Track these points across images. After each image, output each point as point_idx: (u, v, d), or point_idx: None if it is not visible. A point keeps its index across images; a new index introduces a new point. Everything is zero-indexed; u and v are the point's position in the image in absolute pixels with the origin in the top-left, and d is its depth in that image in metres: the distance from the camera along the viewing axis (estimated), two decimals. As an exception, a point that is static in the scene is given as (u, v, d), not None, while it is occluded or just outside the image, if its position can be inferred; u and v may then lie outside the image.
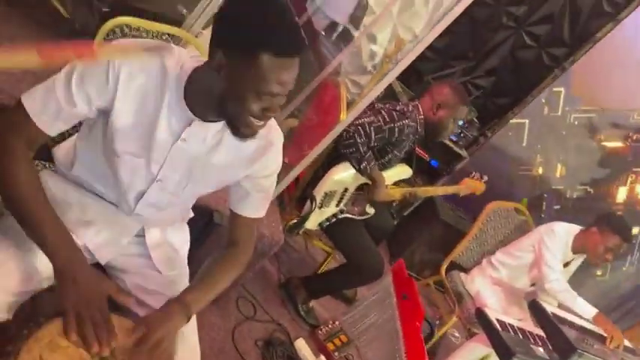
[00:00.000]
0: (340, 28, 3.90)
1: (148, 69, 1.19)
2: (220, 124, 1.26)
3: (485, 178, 3.06)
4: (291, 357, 2.56)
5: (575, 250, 3.05)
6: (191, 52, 1.29)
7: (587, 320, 2.82)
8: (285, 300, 2.84)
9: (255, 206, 1.44)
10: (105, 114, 1.21)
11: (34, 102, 1.17)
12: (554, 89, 4.19)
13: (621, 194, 4.56)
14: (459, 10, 2.05)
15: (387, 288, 1.55)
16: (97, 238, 1.36)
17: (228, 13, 1.13)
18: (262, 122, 1.20)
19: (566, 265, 3.10)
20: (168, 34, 1.71)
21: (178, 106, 1.21)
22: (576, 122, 4.33)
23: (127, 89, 1.17)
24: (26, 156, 1.18)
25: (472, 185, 3.02)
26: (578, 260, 3.14)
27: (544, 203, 4.52)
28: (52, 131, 1.20)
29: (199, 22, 1.85)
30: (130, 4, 1.90)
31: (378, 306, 1.51)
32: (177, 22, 1.89)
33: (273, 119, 1.32)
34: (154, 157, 1.26)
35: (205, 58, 1.21)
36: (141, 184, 1.31)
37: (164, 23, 1.73)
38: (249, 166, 1.34)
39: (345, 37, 3.83)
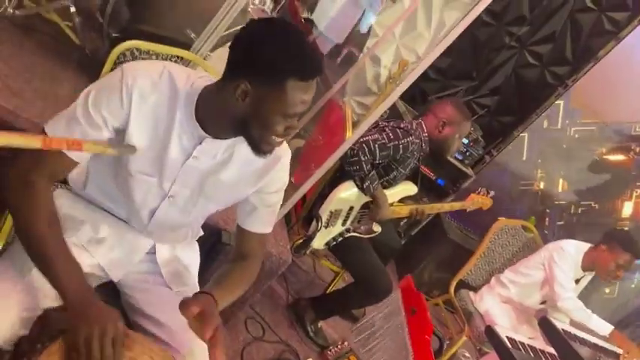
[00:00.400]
0: (344, 52, 3.96)
1: (160, 88, 1.22)
2: (230, 140, 1.28)
3: (492, 193, 3.07)
4: (300, 378, 2.55)
5: (585, 268, 3.04)
6: (199, 73, 1.32)
7: (599, 337, 2.79)
8: (294, 321, 2.83)
9: (263, 222, 1.45)
10: (119, 134, 1.23)
11: (57, 132, 1.19)
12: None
13: (627, 209, 4.52)
14: (459, 29, 2.09)
15: (396, 304, 1.55)
16: (109, 255, 1.38)
17: (249, 43, 1.15)
18: (283, 140, 1.25)
19: (576, 282, 3.09)
20: (177, 57, 1.75)
21: (190, 124, 1.24)
22: (577, 135, 4.30)
23: (140, 109, 1.20)
24: (47, 191, 1.20)
25: (479, 201, 3.03)
26: (588, 277, 3.13)
27: (547, 219, 4.50)
28: (83, 159, 1.23)
29: (207, 45, 1.90)
30: (140, 28, 1.95)
31: (386, 323, 1.50)
32: (186, 45, 1.94)
33: None
34: (166, 174, 1.29)
35: (214, 77, 1.24)
36: (153, 202, 1.33)
37: (173, 46, 1.77)
38: (258, 182, 1.36)
39: (349, 61, 3.88)
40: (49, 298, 1.18)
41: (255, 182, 1.37)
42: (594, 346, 2.67)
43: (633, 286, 4.85)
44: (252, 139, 1.23)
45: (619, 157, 4.40)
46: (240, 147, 1.30)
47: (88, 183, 1.38)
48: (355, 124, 3.03)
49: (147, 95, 1.20)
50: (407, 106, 3.93)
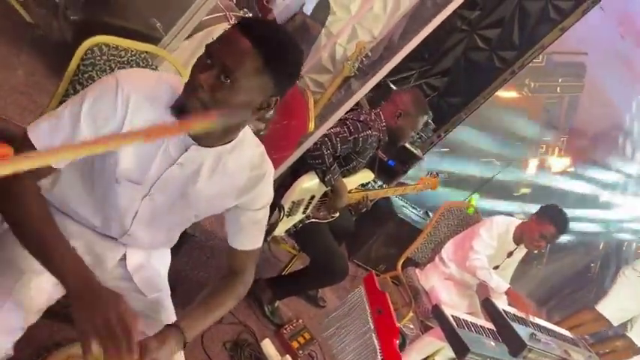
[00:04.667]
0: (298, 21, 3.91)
1: (158, 98, 1.22)
2: (217, 151, 1.29)
3: (441, 176, 3.21)
4: (258, 357, 2.62)
5: (517, 240, 3.26)
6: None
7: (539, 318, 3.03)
8: (252, 301, 2.89)
9: (252, 238, 1.47)
10: None
11: (40, 135, 1.18)
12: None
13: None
14: (440, 18, 2.13)
15: (361, 302, 1.64)
16: None
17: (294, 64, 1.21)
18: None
19: (509, 254, 3.31)
20: (147, 52, 1.71)
21: None
22: None
23: (134, 119, 1.19)
24: (34, 187, 1.19)
25: (428, 182, 3.16)
26: (522, 250, 3.34)
27: None
28: (61, 164, 1.22)
29: (176, 41, 1.85)
30: (105, 20, 1.87)
31: (352, 321, 1.59)
32: (154, 38, 1.89)
33: (264, 151, 1.38)
34: (150, 179, 1.29)
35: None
36: (135, 205, 1.34)
37: (140, 40, 1.72)
38: (240, 196, 1.38)
39: (311, 39, 3.86)
40: (33, 313, 1.19)
41: (237, 197, 1.38)
42: (530, 324, 2.90)
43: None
44: None
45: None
46: (227, 159, 1.31)
47: (58, 184, 1.36)
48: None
49: (142, 103, 1.20)
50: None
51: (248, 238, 1.47)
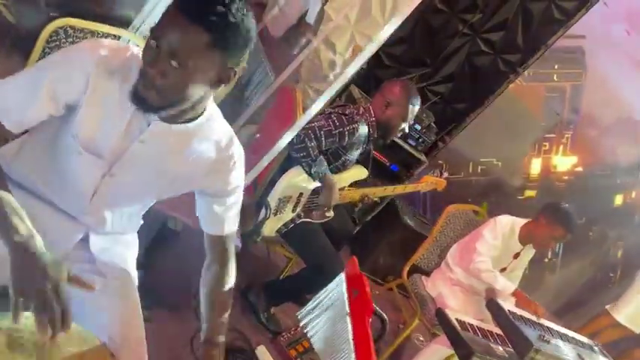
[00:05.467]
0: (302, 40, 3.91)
1: (116, 70, 1.19)
2: (181, 129, 1.26)
3: (446, 174, 3.12)
4: (252, 365, 2.53)
5: (523, 240, 3.13)
6: None
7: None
8: (246, 307, 2.80)
9: (222, 222, 1.44)
10: (71, 110, 1.20)
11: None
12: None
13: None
14: (409, 9, 2.08)
15: (340, 287, 1.56)
16: None
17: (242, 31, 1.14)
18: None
19: (516, 256, 3.17)
20: (115, 36, 1.69)
21: None
22: None
23: (96, 88, 1.17)
24: None
25: (432, 182, 3.07)
26: (529, 251, 3.21)
27: None
28: (18, 129, 1.20)
29: (148, 23, 1.83)
30: (77, 5, 1.86)
31: (332, 307, 1.51)
32: (125, 22, 1.86)
33: (234, 135, 1.36)
34: (112, 154, 1.25)
35: None
36: (95, 182, 1.30)
37: (111, 24, 1.70)
38: (207, 178, 1.35)
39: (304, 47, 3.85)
40: None
41: (204, 177, 1.35)
42: (540, 326, 2.75)
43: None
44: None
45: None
46: (193, 139, 1.28)
47: (19, 157, 1.32)
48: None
49: (104, 75, 1.17)
50: (362, 93, 3.93)
51: (221, 221, 1.43)
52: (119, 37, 1.69)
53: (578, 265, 4.93)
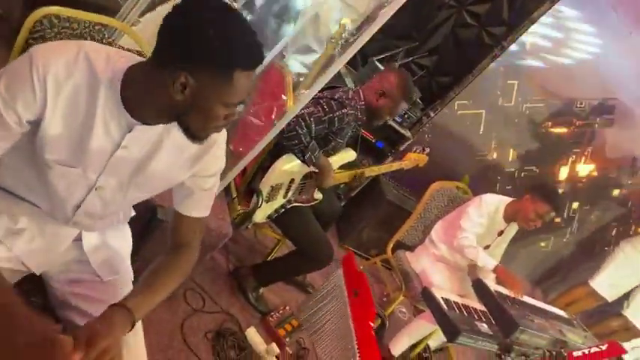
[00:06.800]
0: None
1: (77, 73, 1.10)
2: (160, 127, 1.21)
3: (427, 150, 3.12)
4: (241, 346, 2.54)
5: (508, 218, 3.18)
6: (121, 52, 1.21)
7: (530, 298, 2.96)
8: (235, 288, 2.80)
9: (199, 206, 1.40)
10: (35, 125, 1.13)
11: None
12: (509, 82, 4.49)
13: (563, 173, 5.04)
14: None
15: (339, 283, 1.55)
16: (29, 246, 1.29)
17: (186, 30, 1.05)
18: (223, 128, 1.20)
19: (500, 233, 3.24)
20: (102, 25, 1.60)
21: (116, 112, 1.15)
22: (527, 112, 4.67)
23: (56, 98, 1.09)
24: None
25: (415, 158, 3.07)
26: (513, 228, 3.27)
27: (497, 185, 4.83)
28: None
29: (135, 11, 1.74)
30: None
31: (331, 302, 1.51)
32: (111, 10, 1.77)
33: None
34: (92, 164, 1.20)
35: (138, 56, 1.15)
36: (79, 194, 1.25)
37: (97, 12, 1.61)
38: (193, 166, 1.31)
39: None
40: None
41: (189, 167, 1.31)
42: (523, 305, 2.83)
43: (565, 240, 5.28)
44: (189, 129, 1.16)
45: (562, 129, 4.85)
46: (172, 133, 1.23)
47: (1, 170, 1.26)
48: (296, 86, 2.95)
49: (62, 82, 1.09)
50: (348, 68, 3.86)
51: (197, 204, 1.39)
52: (106, 26, 1.60)
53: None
